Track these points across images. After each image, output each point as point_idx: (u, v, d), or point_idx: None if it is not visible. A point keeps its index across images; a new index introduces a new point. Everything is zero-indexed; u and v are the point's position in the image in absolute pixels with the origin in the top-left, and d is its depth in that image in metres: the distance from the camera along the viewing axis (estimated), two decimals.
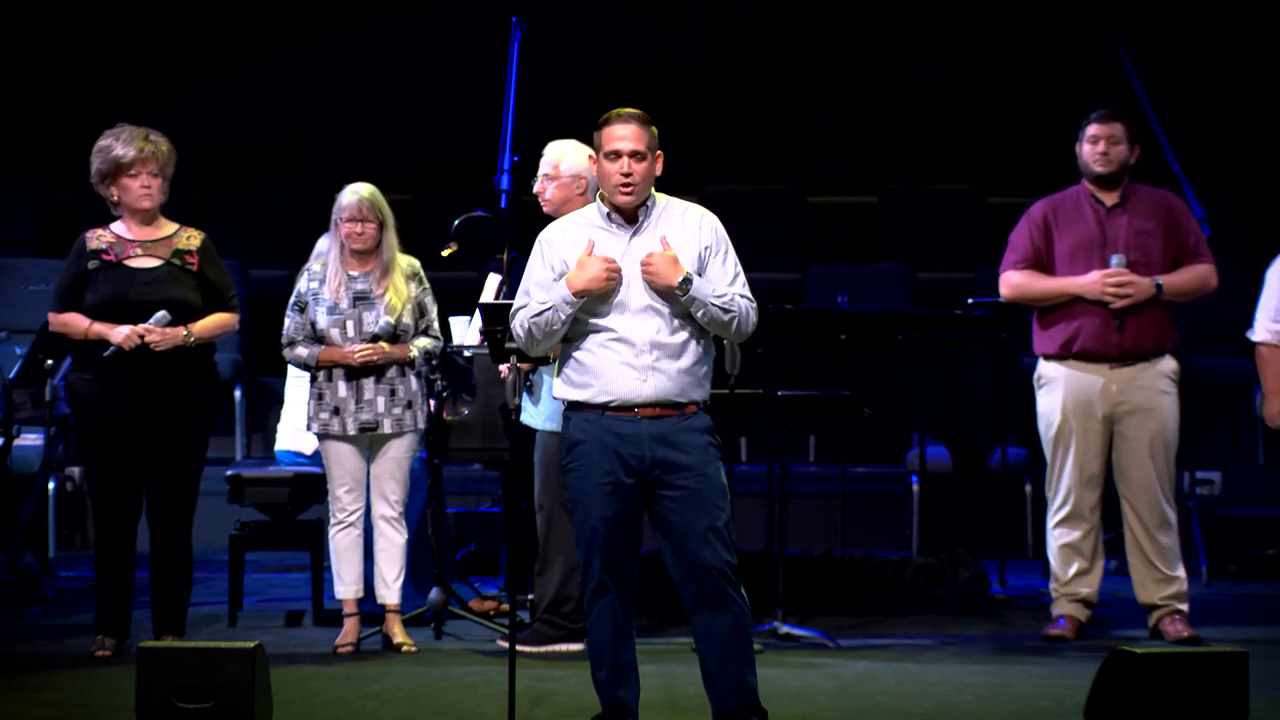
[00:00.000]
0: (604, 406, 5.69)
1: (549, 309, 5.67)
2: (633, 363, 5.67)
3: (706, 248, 5.75)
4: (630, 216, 5.76)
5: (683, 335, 5.70)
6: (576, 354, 5.72)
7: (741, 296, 5.75)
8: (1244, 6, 11.82)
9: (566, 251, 5.75)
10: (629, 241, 5.73)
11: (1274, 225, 10.86)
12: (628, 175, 5.70)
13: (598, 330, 5.69)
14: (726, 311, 5.70)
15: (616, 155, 5.71)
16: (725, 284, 5.74)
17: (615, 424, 5.68)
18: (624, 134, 5.72)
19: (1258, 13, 11.74)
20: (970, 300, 9.01)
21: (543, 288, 5.74)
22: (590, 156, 7.67)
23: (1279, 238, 8.56)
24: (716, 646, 5.73)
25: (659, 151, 5.78)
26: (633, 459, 5.67)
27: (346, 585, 7.64)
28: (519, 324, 5.74)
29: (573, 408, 5.75)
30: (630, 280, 5.69)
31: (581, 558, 5.77)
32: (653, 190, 5.80)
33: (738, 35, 12.19)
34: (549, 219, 7.69)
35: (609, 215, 5.77)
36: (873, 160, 12.40)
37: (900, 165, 12.44)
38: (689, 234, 5.76)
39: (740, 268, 5.81)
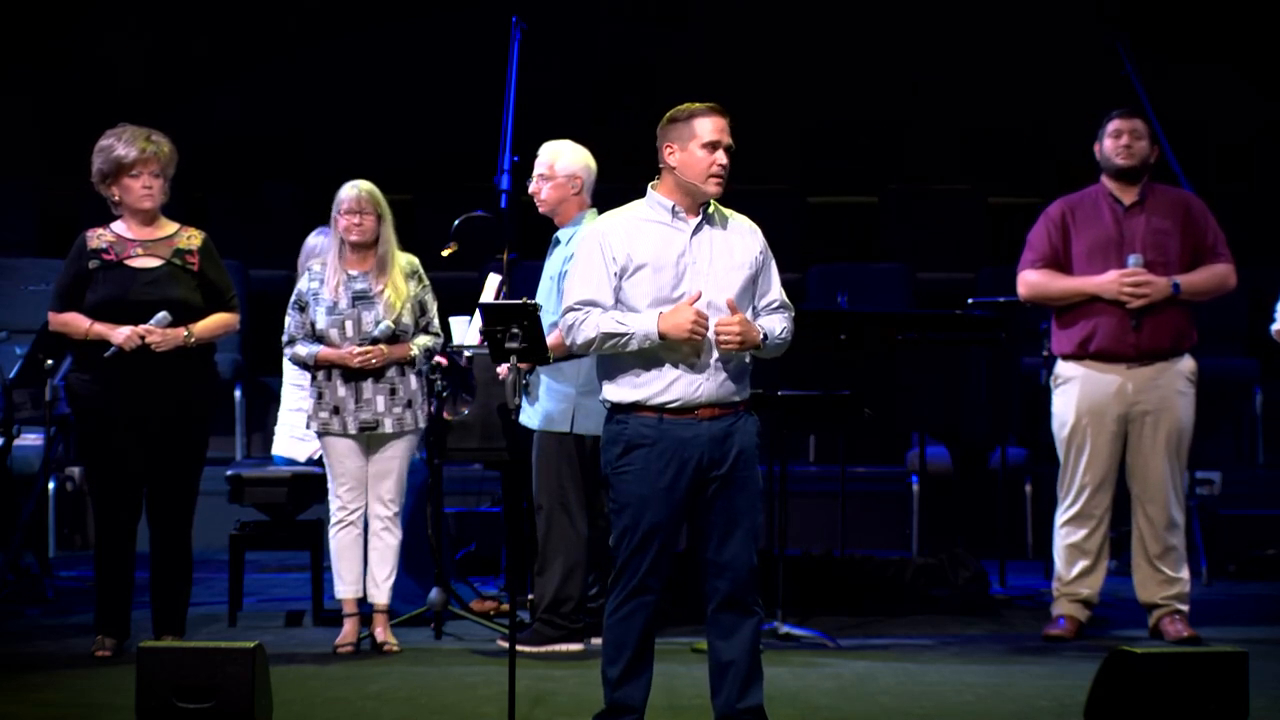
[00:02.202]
0: (662, 408, 5.65)
1: (626, 335, 5.59)
2: (695, 363, 5.64)
3: (759, 256, 5.76)
4: (690, 213, 5.73)
5: None
6: (636, 353, 5.64)
7: (786, 315, 5.79)
8: (1244, 6, 11.82)
9: (631, 247, 5.66)
10: (690, 238, 5.70)
11: (1274, 225, 10.87)
12: (725, 167, 5.70)
13: None
14: (785, 344, 5.77)
15: (716, 146, 5.69)
16: (775, 290, 5.78)
17: (676, 428, 5.64)
18: (724, 126, 5.72)
19: (1258, 13, 11.74)
20: (970, 300, 9.02)
21: (603, 286, 5.64)
22: (586, 157, 7.73)
23: (1279, 237, 8.57)
24: (736, 648, 5.73)
25: None
26: (692, 464, 5.65)
27: (347, 585, 7.64)
28: (591, 327, 5.61)
29: (627, 409, 5.68)
30: (693, 279, 5.65)
31: (621, 559, 5.71)
32: None
33: (738, 35, 12.20)
34: (548, 219, 7.74)
35: (674, 209, 5.72)
36: (873, 160, 12.41)
37: (900, 165, 12.45)
38: (746, 243, 5.76)
39: (778, 275, 5.86)
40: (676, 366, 5.64)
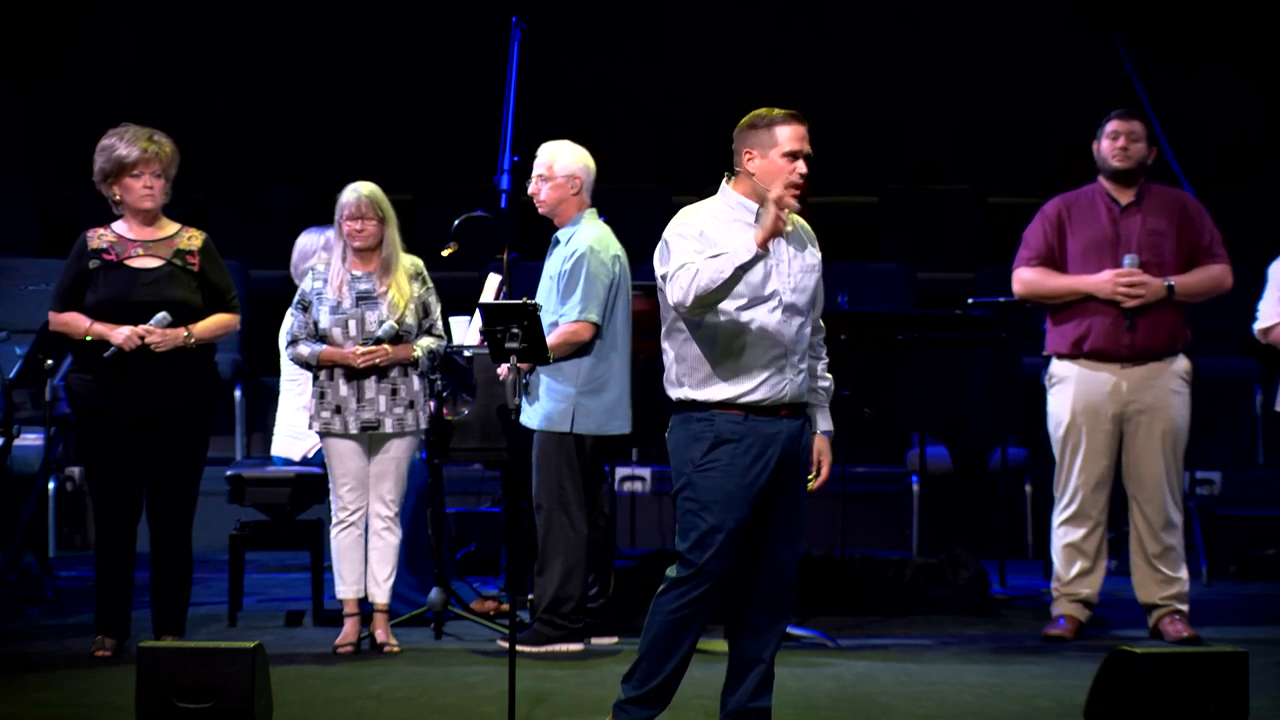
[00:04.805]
0: (751, 407, 5.66)
1: (722, 254, 5.51)
2: (783, 362, 5.67)
3: (820, 259, 5.82)
4: None
5: (808, 334, 5.76)
6: (722, 353, 5.65)
7: (822, 335, 5.87)
8: (1244, 6, 11.82)
9: (723, 244, 5.62)
10: (775, 241, 5.71)
11: (1275, 224, 10.87)
12: (804, 176, 5.70)
13: (749, 328, 5.64)
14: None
15: (797, 155, 5.70)
16: (821, 299, 5.83)
17: (761, 424, 5.66)
18: (804, 134, 5.72)
19: (1258, 13, 11.74)
20: (970, 300, 9.01)
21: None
22: (585, 157, 7.73)
23: (1278, 237, 8.56)
24: (763, 648, 5.77)
25: None
26: (774, 460, 5.67)
27: (348, 585, 7.64)
28: (694, 266, 5.53)
29: (713, 407, 5.67)
30: (779, 279, 5.68)
31: (701, 559, 5.64)
32: None
33: (738, 35, 12.19)
34: (548, 219, 7.74)
35: (758, 212, 5.70)
36: (873, 160, 12.41)
37: (900, 165, 12.45)
38: (811, 248, 5.81)
39: None
40: (765, 366, 5.65)
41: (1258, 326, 7.92)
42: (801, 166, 5.70)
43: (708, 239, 5.65)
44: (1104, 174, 7.83)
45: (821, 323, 5.88)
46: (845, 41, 12.18)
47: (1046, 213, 7.89)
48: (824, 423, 5.88)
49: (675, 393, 5.75)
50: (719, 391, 5.67)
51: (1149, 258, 7.71)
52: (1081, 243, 7.78)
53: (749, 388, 5.66)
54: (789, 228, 5.74)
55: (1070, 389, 7.78)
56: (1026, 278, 7.87)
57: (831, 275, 11.35)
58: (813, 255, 5.80)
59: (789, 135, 5.71)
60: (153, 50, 12.16)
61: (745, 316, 5.65)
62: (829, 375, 5.91)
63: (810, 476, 5.83)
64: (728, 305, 5.64)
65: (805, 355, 5.74)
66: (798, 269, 5.74)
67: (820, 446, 5.85)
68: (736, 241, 5.60)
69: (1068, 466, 7.82)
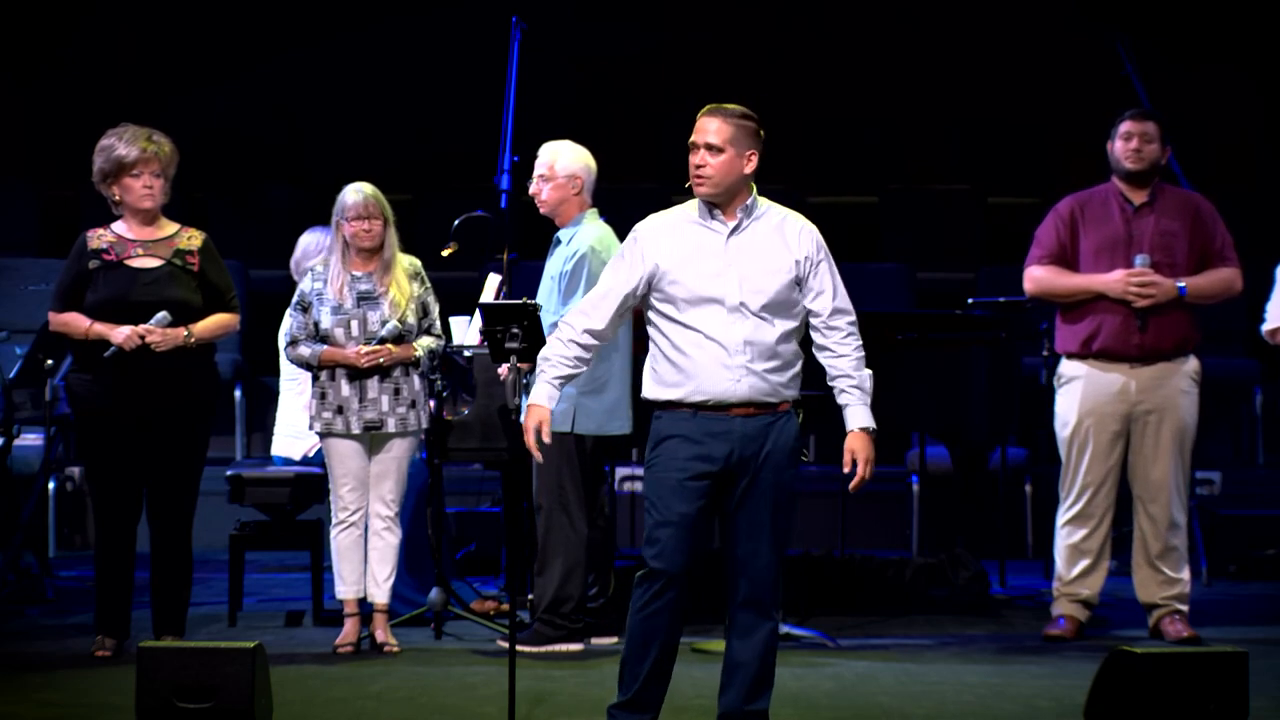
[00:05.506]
0: (697, 406, 5.67)
1: (540, 373, 5.75)
2: (727, 363, 5.65)
3: (805, 259, 5.74)
4: (729, 214, 5.73)
5: (775, 335, 5.69)
6: (669, 354, 5.68)
7: (852, 334, 5.81)
8: (1244, 6, 11.82)
9: (660, 252, 5.68)
10: (727, 240, 5.70)
11: (1275, 225, 10.87)
12: (699, 167, 5.69)
13: (690, 330, 5.65)
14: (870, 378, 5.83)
15: (694, 147, 5.71)
16: (830, 295, 5.76)
17: (709, 422, 5.66)
18: (703, 126, 5.72)
19: (1258, 13, 11.74)
20: (970, 300, 9.01)
21: (624, 284, 5.71)
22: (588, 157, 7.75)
23: (1279, 237, 8.57)
24: (750, 650, 5.76)
25: (751, 151, 5.72)
26: (720, 457, 5.66)
27: (348, 585, 7.64)
28: (551, 343, 5.77)
29: (663, 407, 5.71)
30: (726, 281, 5.66)
31: (651, 552, 5.66)
32: (754, 192, 5.77)
33: (738, 35, 12.20)
34: (548, 219, 7.74)
35: (712, 210, 5.72)
36: (873, 160, 12.41)
37: (900, 165, 12.45)
38: (788, 243, 5.74)
39: (838, 277, 5.82)
40: (708, 366, 5.65)
41: (1266, 328, 7.90)
42: (698, 157, 5.70)
43: (641, 245, 5.70)
44: (1117, 174, 7.83)
45: (845, 323, 5.80)
46: (845, 41, 12.18)
47: (1059, 211, 7.88)
48: (856, 419, 5.83)
49: (643, 392, 5.82)
50: (666, 392, 5.70)
51: (1161, 258, 7.71)
52: (1094, 242, 7.78)
53: (691, 388, 5.67)
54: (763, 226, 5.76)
55: (1079, 389, 7.77)
56: (1038, 276, 7.86)
57: None
58: (787, 257, 5.72)
59: (694, 127, 5.74)
60: (153, 50, 12.16)
61: (689, 318, 5.66)
62: (860, 373, 5.82)
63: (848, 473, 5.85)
64: (669, 309, 5.68)
65: (769, 355, 5.67)
66: (759, 270, 5.69)
67: (851, 445, 5.83)
68: (682, 253, 5.67)
69: (1074, 466, 7.81)
